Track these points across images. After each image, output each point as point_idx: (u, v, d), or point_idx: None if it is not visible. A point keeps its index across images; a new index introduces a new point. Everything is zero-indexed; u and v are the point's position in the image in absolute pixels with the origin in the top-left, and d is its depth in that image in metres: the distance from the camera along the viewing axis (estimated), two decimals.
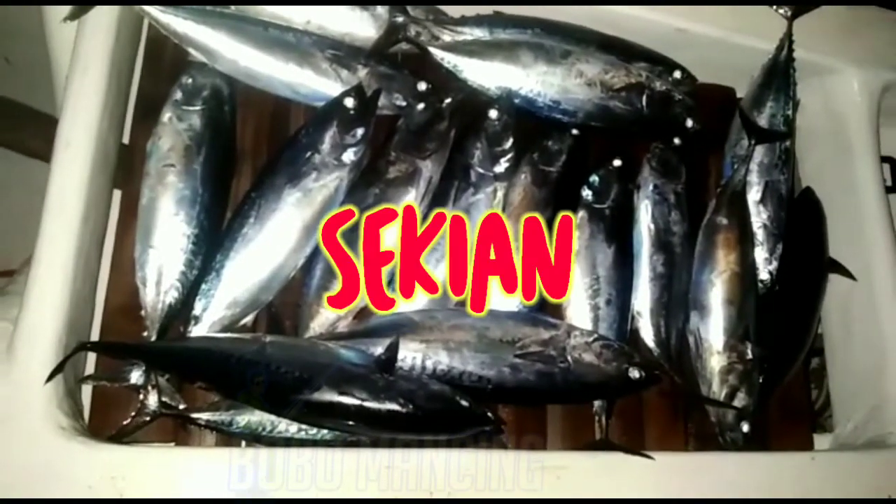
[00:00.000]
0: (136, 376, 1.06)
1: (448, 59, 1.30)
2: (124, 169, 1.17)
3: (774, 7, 1.42)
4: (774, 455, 1.27)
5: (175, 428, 1.11)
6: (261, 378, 1.02)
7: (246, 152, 1.25)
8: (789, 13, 1.42)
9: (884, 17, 1.54)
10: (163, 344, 1.08)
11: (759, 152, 1.41)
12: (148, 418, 1.05)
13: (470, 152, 1.26)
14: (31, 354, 0.96)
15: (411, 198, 1.19)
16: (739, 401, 1.29)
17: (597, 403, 1.23)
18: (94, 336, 1.11)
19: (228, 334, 1.10)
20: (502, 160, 1.27)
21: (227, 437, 1.09)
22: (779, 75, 1.42)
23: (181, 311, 1.10)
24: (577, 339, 1.18)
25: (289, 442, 1.07)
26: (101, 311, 1.12)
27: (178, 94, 1.16)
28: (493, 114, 1.28)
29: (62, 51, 1.23)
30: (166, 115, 1.15)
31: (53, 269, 1.00)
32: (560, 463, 1.13)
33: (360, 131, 1.19)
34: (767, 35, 1.45)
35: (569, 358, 1.16)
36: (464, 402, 1.06)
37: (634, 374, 1.17)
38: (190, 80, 1.18)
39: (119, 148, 1.19)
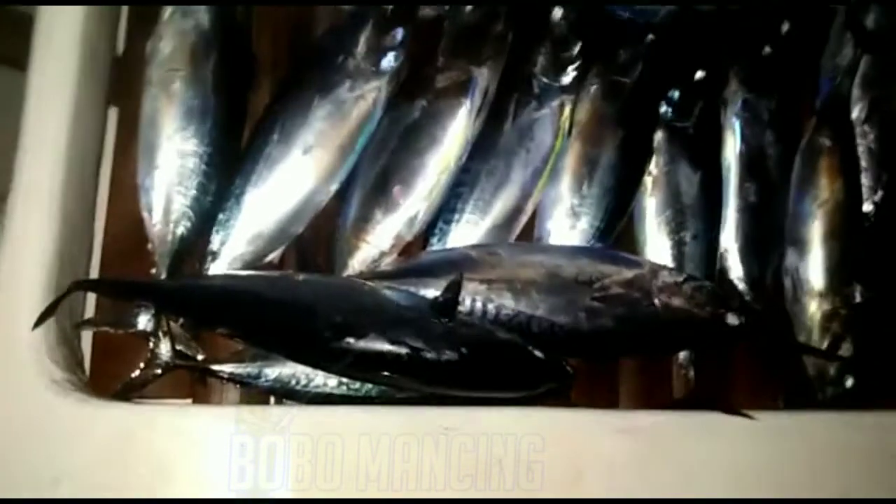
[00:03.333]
0: (144, 321, 0.89)
1: None
2: (119, 82, 0.98)
3: None
4: None
5: (192, 382, 0.94)
6: (295, 323, 0.84)
7: (264, 64, 1.06)
8: None
9: None
10: (175, 282, 0.90)
11: (864, 64, 1.19)
12: (159, 371, 0.88)
13: (532, 59, 1.06)
14: (15, 296, 0.79)
15: (464, 112, 0.99)
16: (844, 351, 1.10)
17: (682, 356, 1.05)
18: (94, 274, 0.93)
19: (254, 272, 0.91)
20: (569, 69, 1.07)
21: (254, 392, 0.92)
22: None
23: (195, 245, 0.93)
24: (665, 279, 0.99)
25: (328, 398, 0.90)
26: (100, 244, 0.94)
27: None
28: (557, 13, 1.07)
29: None
30: (168, 12, 0.96)
31: (39, 194, 0.82)
32: (643, 423, 0.95)
33: (399, 33, 1.00)
34: None
35: (655, 301, 0.97)
36: (537, 353, 0.87)
37: (733, 320, 0.99)
38: None
39: (112, 59, 0.99)
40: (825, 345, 1.11)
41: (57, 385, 0.78)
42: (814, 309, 1.12)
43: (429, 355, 0.84)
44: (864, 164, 1.20)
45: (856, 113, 1.20)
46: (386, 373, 0.86)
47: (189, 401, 0.94)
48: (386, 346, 0.84)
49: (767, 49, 1.18)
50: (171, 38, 0.94)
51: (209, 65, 0.94)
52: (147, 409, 0.84)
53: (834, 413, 1.09)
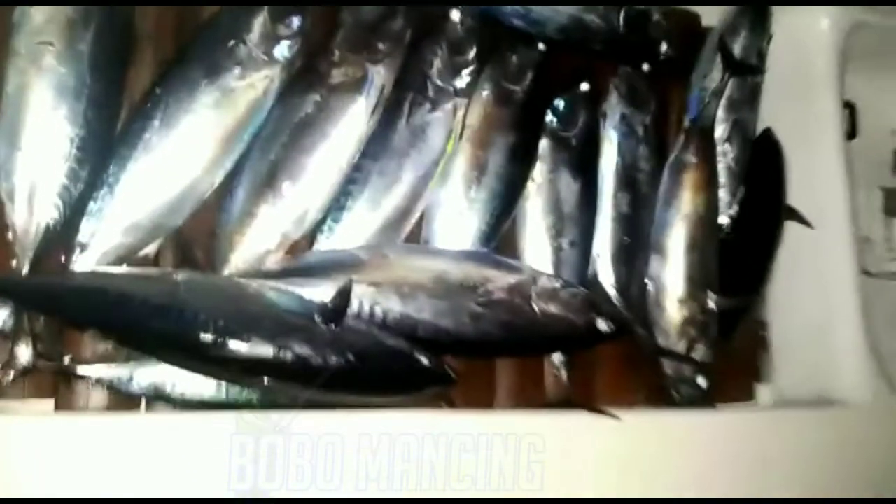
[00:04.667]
0: (1, 319, 0.81)
1: None
2: None
3: None
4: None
5: (55, 382, 0.87)
6: (174, 326, 0.80)
7: (144, 37, 0.98)
8: None
9: None
10: (40, 279, 0.83)
11: (729, 87, 1.29)
12: (19, 373, 0.80)
13: (427, 60, 1.06)
14: None
15: (360, 109, 0.97)
16: (698, 353, 1.21)
17: (555, 357, 1.10)
18: None
19: (128, 269, 0.85)
20: (464, 72, 1.08)
21: (123, 396, 0.87)
22: (756, 5, 1.30)
23: (62, 236, 0.85)
24: (544, 284, 1.03)
25: (203, 404, 0.87)
26: None
27: None
28: (455, 16, 1.08)
29: None
30: None
31: None
32: (522, 425, 1.00)
33: (296, 20, 0.97)
34: None
35: (534, 306, 1.02)
36: (423, 360, 0.89)
37: (603, 325, 1.05)
38: None
39: None
40: (682, 347, 1.20)
41: None
42: (673, 314, 1.21)
43: (315, 361, 0.83)
44: (722, 179, 1.30)
45: (718, 132, 1.30)
46: (270, 378, 0.84)
47: (51, 401, 0.87)
48: (271, 352, 0.82)
49: (646, 67, 1.24)
50: (45, 8, 0.85)
51: (86, 39, 0.86)
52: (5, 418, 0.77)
53: (689, 411, 1.20)
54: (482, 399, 1.10)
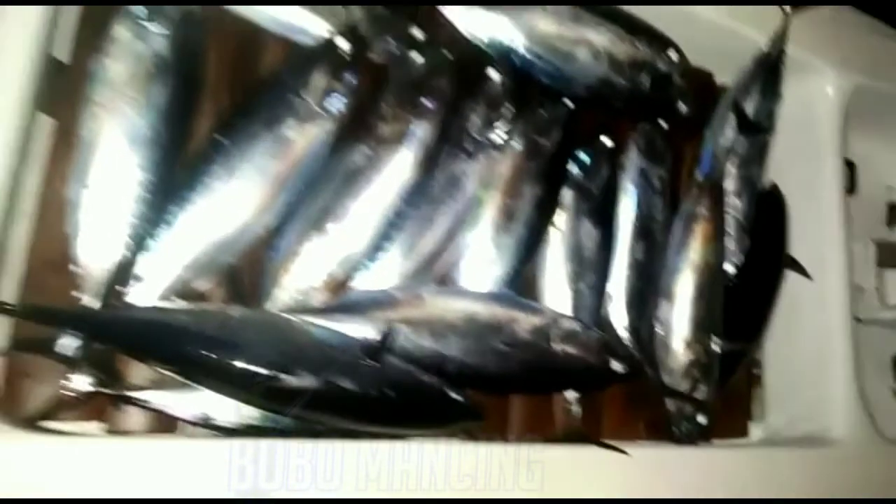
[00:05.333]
0: (70, 348, 0.88)
1: (450, 6, 1.16)
2: (55, 89, 0.95)
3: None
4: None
5: (105, 406, 0.94)
6: (229, 360, 0.88)
7: (206, 85, 1.05)
8: (788, 8, 1.37)
9: (860, 21, 1.54)
10: (110, 313, 0.90)
11: (740, 145, 1.38)
12: (78, 397, 0.88)
13: (467, 115, 1.14)
14: None
15: (404, 160, 1.05)
16: (700, 393, 1.29)
17: (568, 394, 1.18)
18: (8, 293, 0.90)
19: (188, 304, 0.93)
20: (498, 127, 1.15)
21: (171, 421, 0.94)
22: (769, 69, 1.39)
23: (123, 271, 0.92)
24: (564, 327, 1.11)
25: (250, 430, 0.94)
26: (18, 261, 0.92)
27: (139, 8, 0.95)
28: (493, 74, 1.16)
29: None
30: (121, 32, 0.93)
31: None
32: (539, 457, 1.08)
33: (350, 78, 1.04)
34: (755, 22, 1.42)
35: (554, 347, 1.09)
36: (455, 396, 0.97)
37: (618, 367, 1.13)
38: None
39: (49, 61, 0.96)
40: (686, 387, 1.29)
41: None
42: (679, 355, 1.29)
43: (357, 395, 0.91)
44: (729, 230, 1.39)
45: (728, 186, 1.39)
46: (315, 410, 0.91)
47: (97, 423, 0.94)
48: (317, 385, 0.89)
49: (664, 124, 1.33)
50: (123, 60, 0.92)
51: (162, 93, 0.93)
52: (69, 441, 0.83)
53: (689, 447, 1.28)
54: (497, 431, 1.17)
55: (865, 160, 1.67)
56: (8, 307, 0.85)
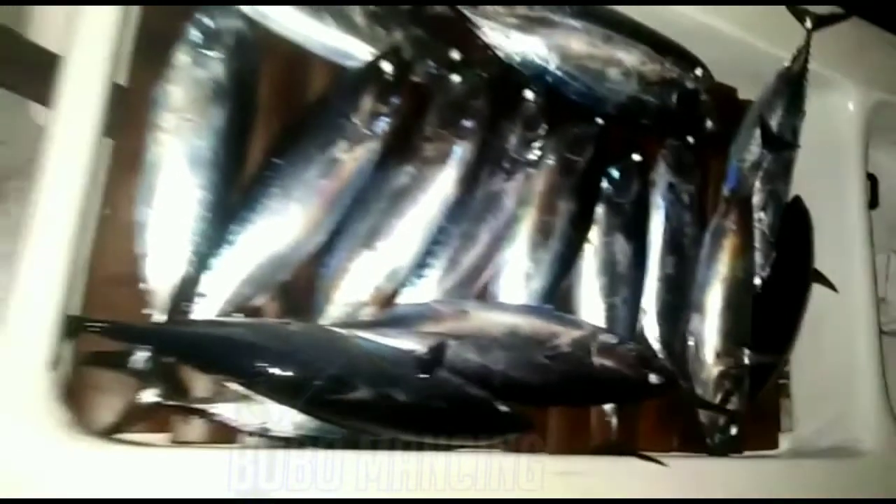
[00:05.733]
0: (140, 362, 0.92)
1: (486, 29, 1.20)
2: (118, 114, 0.99)
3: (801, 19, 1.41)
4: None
5: (166, 416, 0.97)
6: (291, 372, 0.91)
7: (260, 108, 1.10)
8: (810, 24, 1.42)
9: (881, 37, 1.58)
10: (174, 328, 0.93)
11: (766, 160, 1.41)
12: (149, 409, 0.91)
13: (505, 135, 1.18)
14: (27, 332, 0.80)
15: (448, 179, 1.09)
16: (732, 404, 1.32)
17: (606, 406, 1.21)
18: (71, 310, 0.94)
19: (250, 319, 0.97)
20: (534, 145, 1.19)
21: (231, 431, 0.98)
22: (792, 85, 1.43)
23: (188, 288, 0.96)
24: (602, 340, 1.14)
25: (305, 441, 0.97)
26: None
27: (196, 35, 1.00)
28: (529, 95, 1.20)
29: None
30: (181, 59, 0.98)
31: (55, 233, 0.83)
32: (578, 468, 1.11)
33: (394, 100, 1.08)
34: (777, 39, 1.46)
35: (594, 360, 1.13)
36: (503, 408, 1.00)
37: (654, 379, 1.16)
38: (210, 20, 1.01)
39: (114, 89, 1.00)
40: (718, 398, 1.32)
41: (65, 424, 0.80)
42: (711, 367, 1.32)
43: (412, 407, 0.94)
44: (756, 244, 1.42)
45: (755, 201, 1.42)
46: (369, 421, 0.94)
47: (161, 434, 0.97)
48: (374, 398, 0.93)
49: (692, 140, 1.37)
50: (185, 87, 0.96)
51: (220, 116, 0.97)
52: (155, 451, 0.87)
53: (726, 459, 1.30)
54: (534, 440, 1.20)
55: (888, 174, 1.70)
56: (96, 324, 0.88)
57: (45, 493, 0.78)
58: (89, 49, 0.89)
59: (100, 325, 0.88)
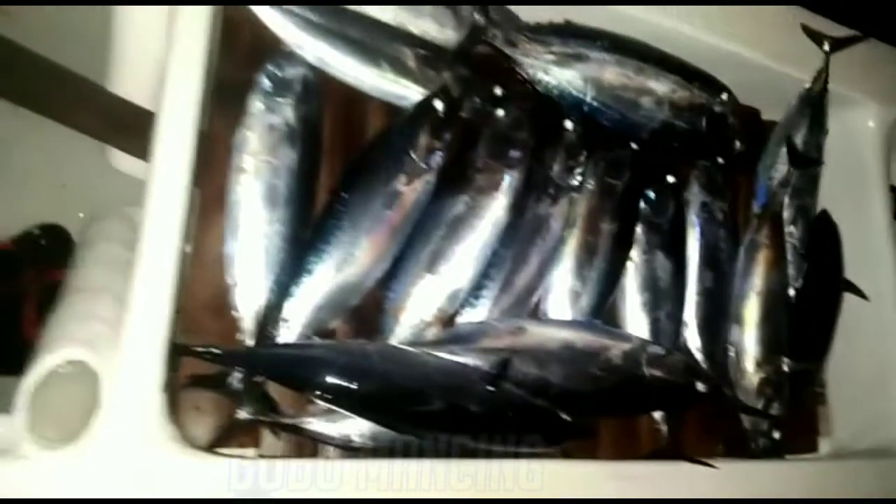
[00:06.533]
0: (235, 382, 1.01)
1: (526, 66, 1.29)
2: (200, 155, 1.09)
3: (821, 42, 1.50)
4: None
5: (256, 432, 1.06)
6: (370, 388, 1.00)
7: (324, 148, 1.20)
8: (827, 47, 1.50)
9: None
10: (264, 350, 1.02)
11: (793, 177, 1.49)
12: (246, 425, 1.00)
13: (548, 163, 1.26)
14: (141, 359, 0.89)
15: (500, 206, 1.18)
16: (774, 410, 1.38)
17: (657, 414, 1.28)
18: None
19: (333, 341, 1.06)
20: (576, 172, 1.28)
21: (315, 444, 1.06)
22: (814, 105, 1.51)
23: (272, 314, 1.05)
24: (651, 352, 1.22)
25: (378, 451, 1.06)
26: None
27: (267, 84, 1.10)
28: (568, 125, 1.29)
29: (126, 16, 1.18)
30: (256, 106, 1.08)
31: (159, 270, 0.93)
32: (632, 472, 1.18)
33: (448, 135, 1.18)
34: (797, 61, 1.54)
35: (644, 371, 1.20)
36: (565, 416, 1.07)
37: (701, 387, 1.23)
38: (278, 70, 1.11)
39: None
40: (760, 405, 1.38)
41: (177, 439, 0.89)
42: (752, 375, 1.39)
43: (483, 419, 1.02)
44: (789, 257, 1.49)
45: (785, 216, 1.49)
46: (446, 432, 1.02)
47: (252, 450, 1.05)
48: (448, 409, 1.01)
49: (721, 160, 1.45)
50: (260, 131, 1.06)
51: (294, 156, 1.07)
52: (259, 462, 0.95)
53: (771, 462, 1.36)
54: (588, 449, 1.27)
55: None
56: (199, 349, 0.97)
57: (155, 496, 0.86)
58: (180, 104, 0.99)
59: (203, 350, 0.96)
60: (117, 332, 0.89)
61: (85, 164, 1.52)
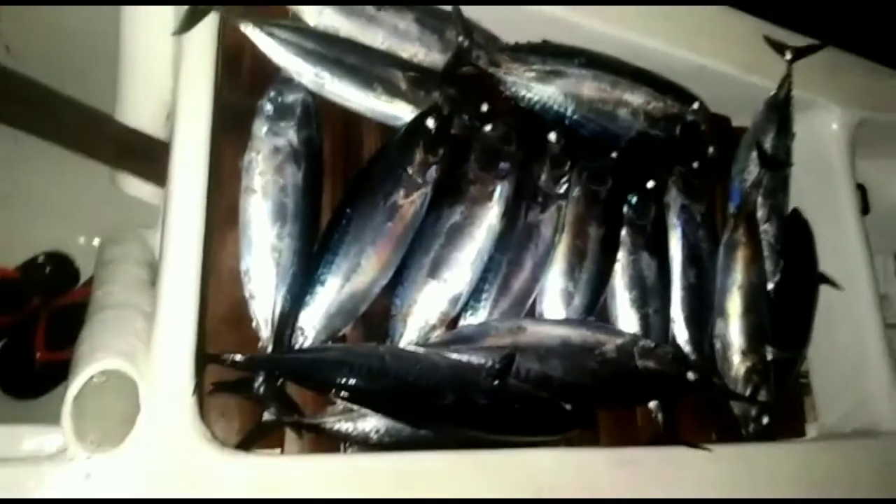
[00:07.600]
0: (257, 386, 1.07)
1: (509, 83, 1.38)
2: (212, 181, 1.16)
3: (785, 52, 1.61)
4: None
5: (278, 433, 1.12)
6: (384, 386, 1.06)
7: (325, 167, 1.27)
8: (789, 56, 1.61)
9: (856, 63, 1.78)
10: (283, 355, 1.09)
11: (764, 179, 1.58)
12: (272, 427, 1.06)
13: (536, 173, 1.35)
14: (172, 367, 0.96)
15: (494, 215, 1.26)
16: (761, 397, 1.46)
17: (652, 404, 1.36)
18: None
19: (347, 344, 1.13)
20: (562, 181, 1.37)
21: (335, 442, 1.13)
22: (780, 110, 1.61)
23: (288, 322, 1.12)
24: (643, 345, 1.30)
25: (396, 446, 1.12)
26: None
27: (270, 109, 1.18)
28: (552, 137, 1.38)
29: (133, 49, 1.26)
30: (261, 130, 1.16)
31: (183, 287, 1.00)
32: (634, 458, 1.25)
33: (441, 150, 1.26)
34: (762, 70, 1.64)
35: (638, 363, 1.27)
36: (567, 407, 1.15)
37: (692, 376, 1.31)
38: (279, 96, 1.19)
39: None
40: (748, 392, 1.46)
41: (208, 439, 0.95)
42: (738, 365, 1.47)
43: (491, 410, 1.09)
44: (765, 253, 1.58)
45: (759, 215, 1.59)
46: (458, 424, 1.09)
47: (278, 451, 1.12)
48: (459, 404, 1.08)
49: (696, 165, 1.54)
50: (267, 153, 1.14)
51: (299, 175, 1.15)
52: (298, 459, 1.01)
53: (765, 444, 1.44)
54: (589, 437, 1.34)
55: (876, 183, 1.88)
56: (225, 357, 1.04)
57: (195, 494, 0.92)
58: (192, 132, 1.07)
59: (227, 357, 1.03)
60: (147, 344, 0.96)
61: (88, 189, 1.58)
